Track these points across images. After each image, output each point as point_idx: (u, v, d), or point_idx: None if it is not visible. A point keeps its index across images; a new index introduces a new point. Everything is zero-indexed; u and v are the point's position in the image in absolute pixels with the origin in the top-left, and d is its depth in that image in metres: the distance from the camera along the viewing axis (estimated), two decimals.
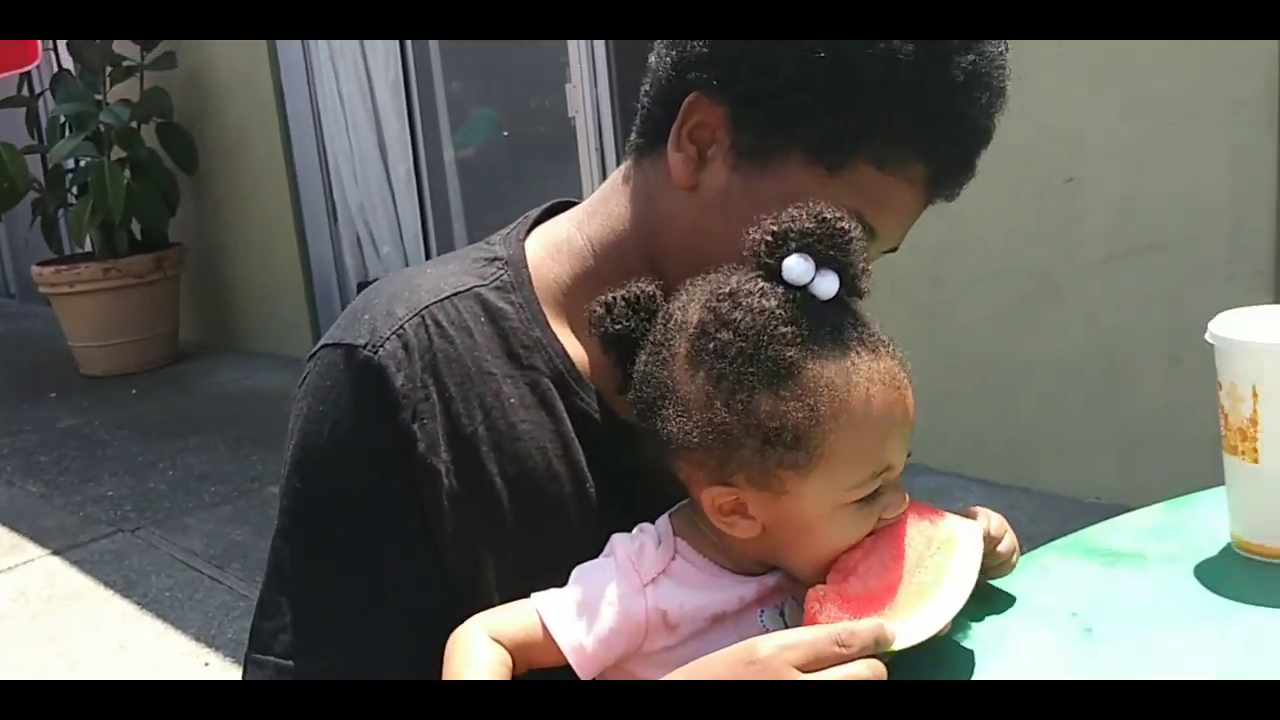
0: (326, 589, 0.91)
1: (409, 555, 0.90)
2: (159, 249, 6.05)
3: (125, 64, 5.90)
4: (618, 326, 0.87)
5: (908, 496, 0.86)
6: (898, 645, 0.78)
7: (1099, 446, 3.35)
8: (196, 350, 6.38)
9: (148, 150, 5.96)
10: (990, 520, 0.91)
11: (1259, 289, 2.91)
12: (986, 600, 0.95)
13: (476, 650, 0.82)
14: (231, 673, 2.88)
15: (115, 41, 5.82)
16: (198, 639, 3.11)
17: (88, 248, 6.23)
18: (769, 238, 0.81)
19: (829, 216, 0.81)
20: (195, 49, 5.93)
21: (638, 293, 0.88)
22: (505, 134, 5.32)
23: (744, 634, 0.82)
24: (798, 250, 0.80)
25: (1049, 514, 3.29)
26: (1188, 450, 3.12)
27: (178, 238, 6.21)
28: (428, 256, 5.47)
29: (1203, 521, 1.06)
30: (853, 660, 0.75)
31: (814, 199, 0.83)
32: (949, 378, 3.59)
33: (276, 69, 5.64)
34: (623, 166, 1.00)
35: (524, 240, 1.00)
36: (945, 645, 0.88)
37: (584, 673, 0.84)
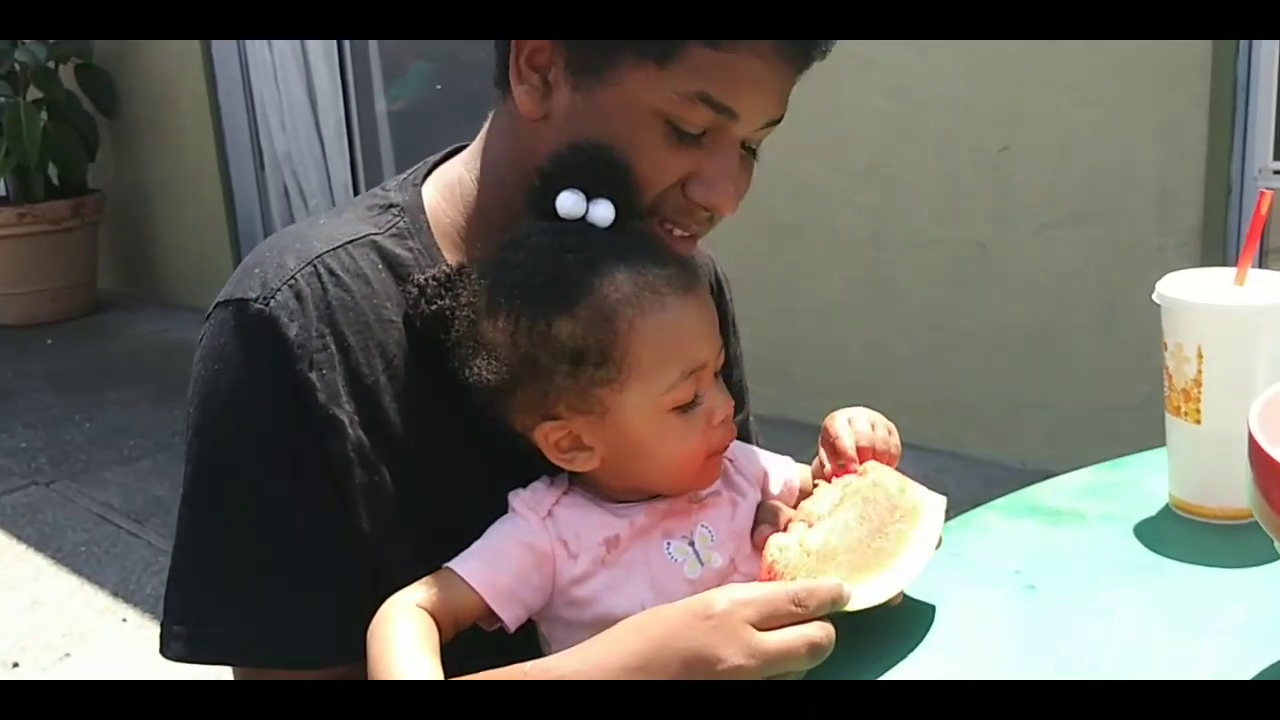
0: (233, 554, 0.89)
1: (315, 512, 0.88)
2: (77, 195, 5.86)
3: None
4: (433, 306, 0.88)
5: (731, 399, 0.89)
6: (852, 606, 0.77)
7: (1028, 412, 3.40)
8: (116, 300, 6.21)
9: (66, 92, 5.76)
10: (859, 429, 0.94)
11: (1186, 260, 2.97)
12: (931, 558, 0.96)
13: (400, 622, 0.81)
14: (150, 629, 2.82)
15: None
16: (115, 595, 3.04)
17: (1, 192, 6.02)
18: (538, 182, 0.86)
19: (593, 150, 0.85)
20: None
21: (446, 270, 0.90)
22: (439, 87, 5.23)
23: (653, 567, 0.85)
24: (567, 188, 0.85)
25: (974, 479, 3.34)
26: (1115, 417, 3.20)
27: (97, 184, 6.02)
28: None
29: (1141, 482, 1.07)
30: (808, 618, 0.75)
31: (648, 99, 0.85)
32: (886, 342, 3.62)
33: None
34: (494, 108, 0.98)
35: (420, 185, 0.98)
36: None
37: (508, 615, 0.84)
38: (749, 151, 0.93)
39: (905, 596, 0.86)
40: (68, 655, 2.76)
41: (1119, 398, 3.13)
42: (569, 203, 0.85)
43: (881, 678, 0.80)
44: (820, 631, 0.75)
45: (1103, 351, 3.18)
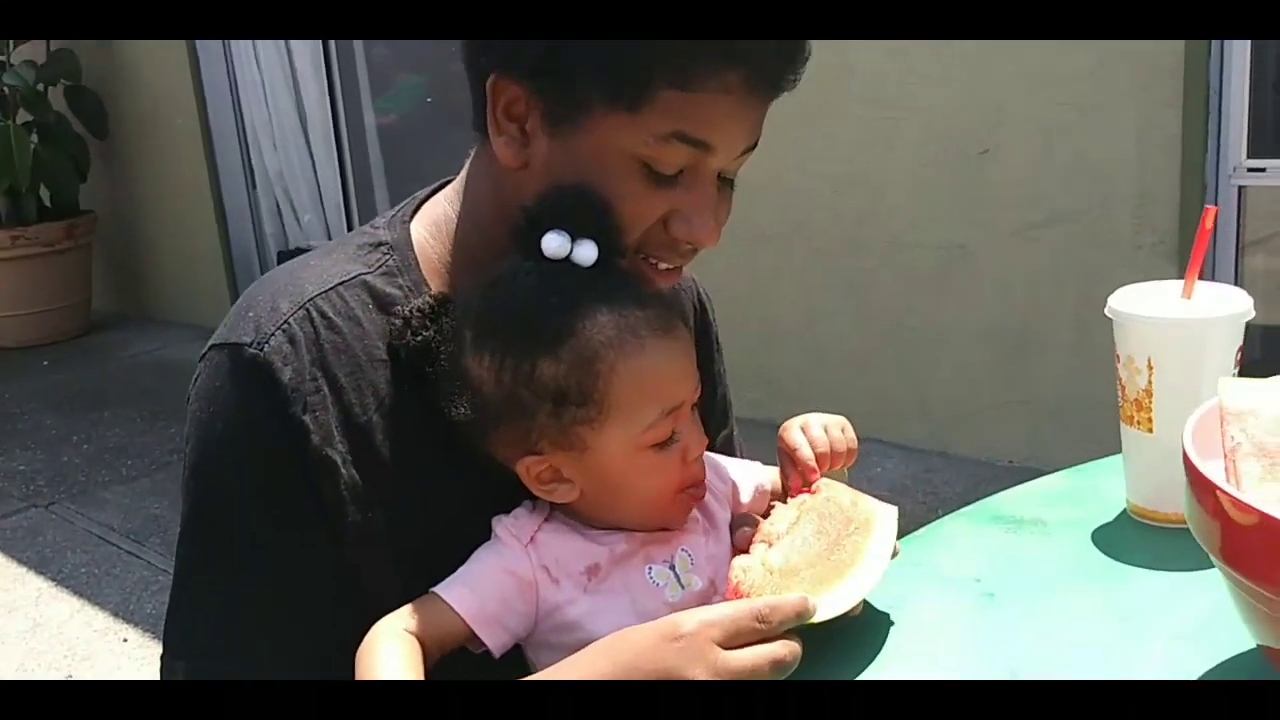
0: (227, 593, 0.92)
1: (308, 553, 0.91)
2: (69, 217, 5.87)
3: None
4: (418, 339, 0.90)
5: (704, 436, 0.93)
6: (818, 618, 0.81)
7: (1011, 412, 3.44)
8: (110, 320, 6.23)
9: (56, 114, 5.78)
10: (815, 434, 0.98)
11: (1162, 259, 3.01)
12: (893, 567, 0.99)
13: (386, 647, 0.84)
14: (151, 648, 2.85)
15: None
16: (116, 615, 3.07)
17: None
18: (523, 222, 0.88)
19: (577, 192, 0.87)
20: None
21: (430, 302, 0.92)
22: (429, 100, 5.26)
23: (634, 592, 0.88)
24: (552, 228, 0.87)
25: (963, 477, 3.38)
26: (1096, 415, 3.23)
27: (89, 205, 6.03)
28: (349, 225, 5.40)
29: (1101, 489, 1.11)
30: (772, 634, 0.78)
31: (623, 144, 0.87)
32: (867, 345, 3.66)
33: None
34: (476, 146, 1.00)
35: (409, 222, 1.00)
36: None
37: (492, 641, 0.87)
38: (726, 183, 0.94)
39: (866, 605, 0.90)
40: (69, 677, 2.79)
41: (1102, 394, 3.16)
42: (554, 244, 0.87)
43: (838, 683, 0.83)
44: (784, 649, 0.78)
45: (1084, 349, 3.22)
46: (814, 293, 3.75)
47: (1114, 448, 1.16)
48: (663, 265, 0.94)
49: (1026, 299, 3.33)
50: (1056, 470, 1.18)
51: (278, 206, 5.70)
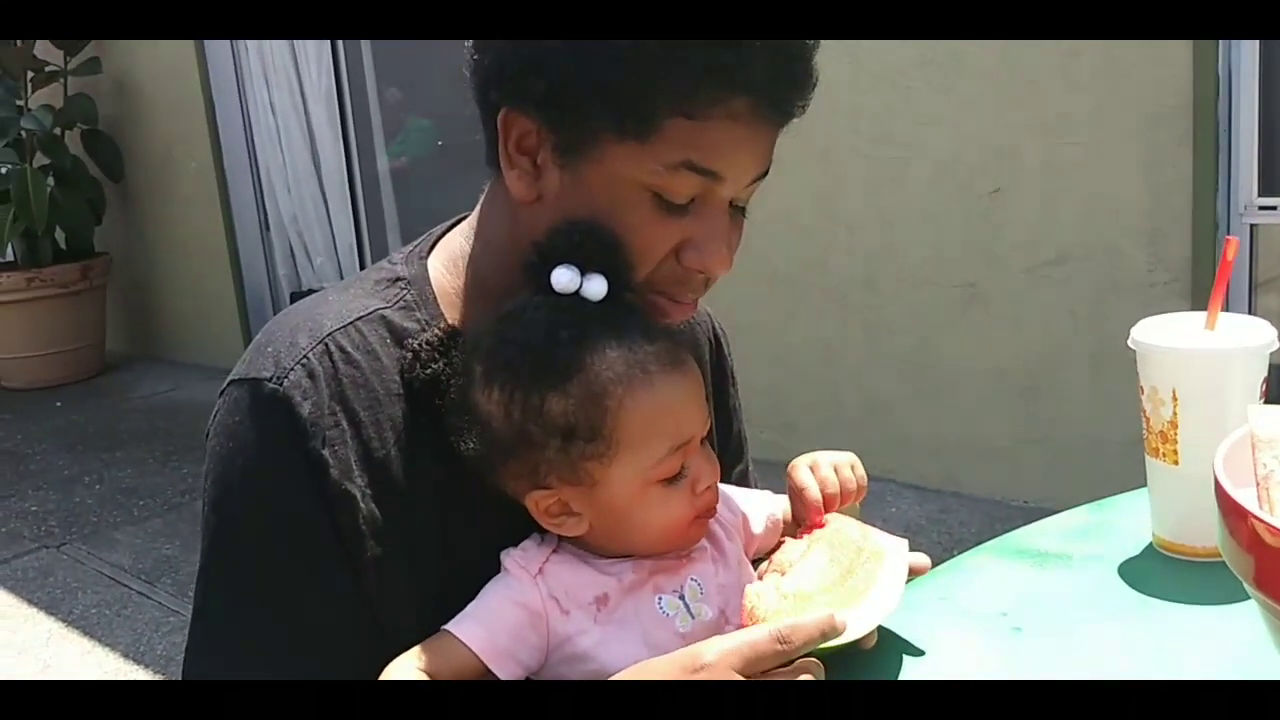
0: (247, 628, 0.91)
1: (328, 588, 0.91)
2: (85, 258, 5.92)
3: (48, 69, 5.77)
4: (427, 371, 0.91)
5: (716, 465, 0.93)
6: (841, 640, 0.80)
7: (1025, 451, 3.43)
8: (124, 362, 6.25)
9: (72, 158, 5.84)
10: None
11: (1176, 297, 3.00)
12: (919, 602, 0.98)
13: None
14: None
15: (37, 46, 5.70)
16: (127, 656, 3.05)
17: (9, 257, 6.09)
18: (534, 258, 0.89)
19: (586, 227, 0.87)
20: (120, 54, 5.82)
21: (440, 335, 0.92)
22: (440, 143, 5.30)
23: (645, 622, 0.88)
24: (562, 263, 0.87)
25: (978, 517, 3.36)
26: (1110, 453, 3.21)
27: (104, 247, 6.08)
28: (362, 267, 5.42)
29: (1125, 522, 1.10)
30: (793, 655, 0.78)
31: (633, 174, 0.87)
32: (882, 383, 3.65)
33: (205, 75, 5.57)
34: (490, 182, 1.00)
35: (427, 257, 1.00)
36: (879, 645, 0.91)
37: (505, 674, 0.87)
38: (738, 210, 0.95)
39: (893, 637, 0.89)
40: None
41: (1116, 432, 3.14)
42: (564, 278, 0.87)
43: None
44: (810, 669, 0.78)
45: (1098, 387, 3.21)
46: (828, 331, 3.75)
47: (1130, 486, 1.16)
48: (677, 299, 0.94)
49: (1040, 338, 3.33)
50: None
51: (291, 249, 5.74)
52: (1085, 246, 3.19)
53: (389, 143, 5.45)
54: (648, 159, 0.86)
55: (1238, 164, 2.92)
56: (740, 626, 0.82)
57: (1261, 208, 2.92)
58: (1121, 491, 1.16)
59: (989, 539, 1.10)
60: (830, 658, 0.81)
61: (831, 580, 0.86)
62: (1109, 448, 3.18)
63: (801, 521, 1.00)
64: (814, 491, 0.97)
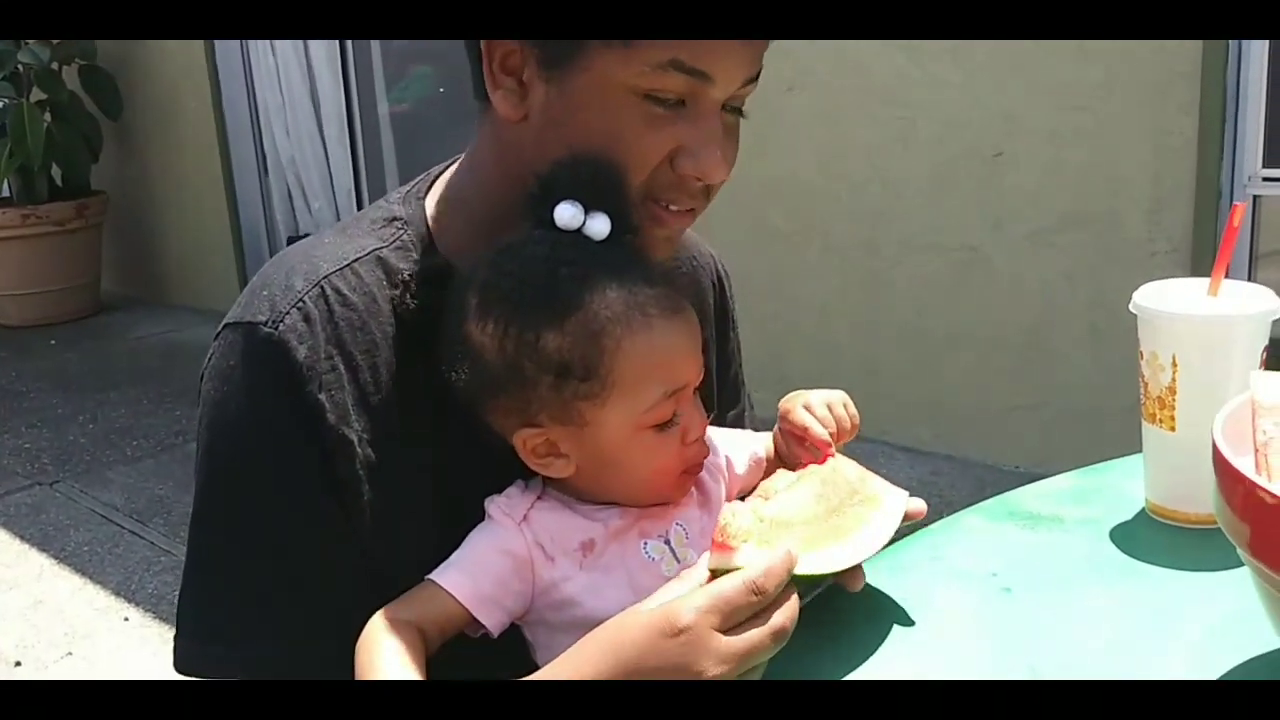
0: (241, 574, 0.91)
1: (324, 532, 0.90)
2: (81, 196, 5.88)
3: None
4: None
5: (705, 417, 0.91)
6: (801, 570, 0.78)
7: (1021, 415, 3.43)
8: (119, 302, 6.23)
9: (69, 93, 5.78)
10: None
11: (1175, 266, 3.00)
12: (911, 560, 0.99)
13: (385, 640, 0.83)
14: (151, 628, 2.85)
15: None
16: (117, 594, 3.06)
17: (5, 193, 6.05)
18: (537, 190, 0.87)
19: (593, 162, 0.86)
20: None
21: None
22: (441, 90, 5.26)
23: (631, 568, 0.87)
24: (565, 198, 0.85)
25: (969, 480, 3.37)
26: (1105, 421, 3.22)
27: (100, 185, 6.04)
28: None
29: (1118, 487, 1.10)
30: (770, 603, 0.76)
31: (620, 78, 0.85)
32: (879, 344, 3.65)
33: None
34: (480, 118, 0.99)
35: (424, 197, 0.99)
36: (871, 603, 0.91)
37: (491, 622, 0.87)
38: (734, 113, 0.92)
39: (880, 595, 0.88)
40: (69, 654, 2.79)
41: (1111, 400, 3.15)
42: (567, 214, 0.86)
43: (856, 676, 0.83)
44: (783, 616, 0.76)
45: (1095, 355, 3.21)
46: (827, 291, 3.74)
47: (1123, 453, 1.16)
48: (674, 207, 0.92)
49: (1039, 303, 3.32)
50: None
51: (289, 192, 5.71)
52: (1087, 213, 3.18)
53: (390, 88, 5.40)
54: (635, 61, 0.85)
55: (1244, 134, 2.90)
56: (712, 545, 0.79)
57: (1266, 179, 2.91)
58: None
59: (978, 503, 1.10)
60: (817, 613, 0.80)
61: (814, 515, 0.84)
62: (1103, 415, 3.19)
63: (795, 463, 0.98)
64: (819, 430, 0.95)
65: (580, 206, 0.86)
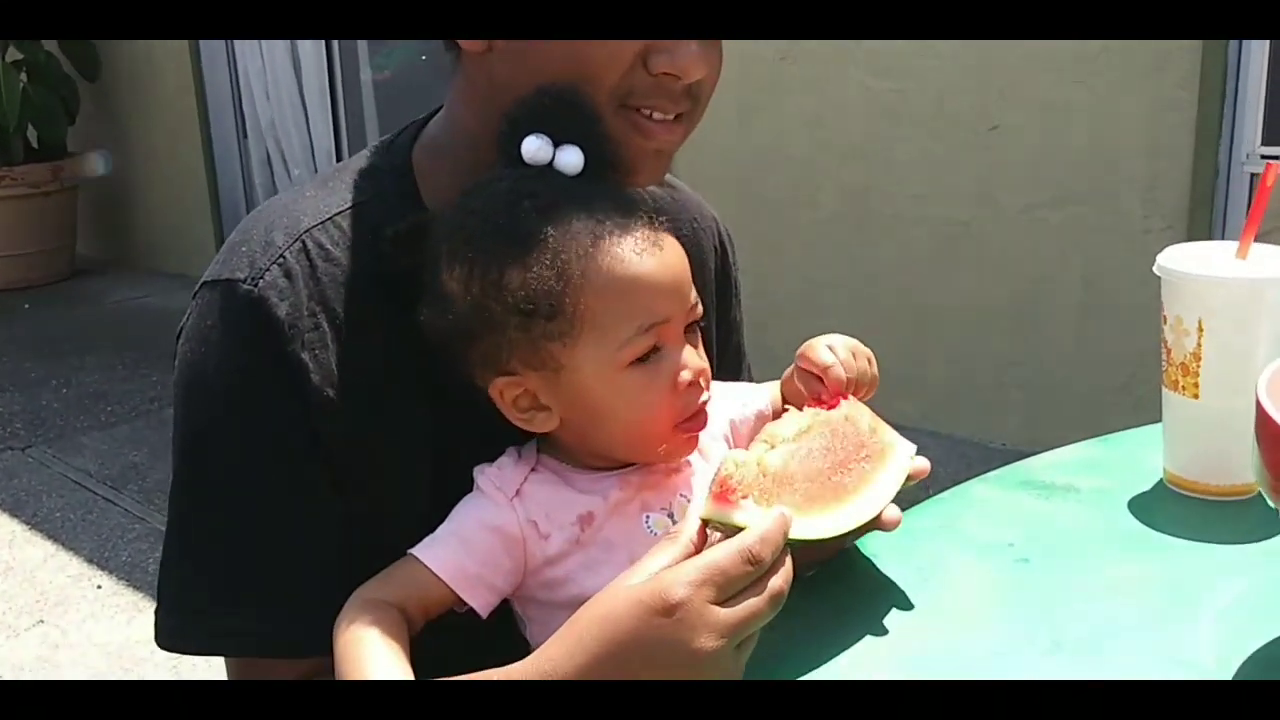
0: (223, 542, 0.86)
1: (306, 496, 0.86)
2: (56, 158, 5.78)
3: None
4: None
5: (706, 363, 0.85)
6: (796, 534, 0.74)
7: (1009, 393, 3.41)
8: (94, 266, 6.14)
9: (46, 54, 5.67)
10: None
11: (1170, 244, 2.96)
12: (923, 528, 0.95)
13: (365, 621, 0.78)
14: (124, 595, 2.80)
15: None
16: (90, 561, 3.01)
17: None
18: (506, 126, 0.83)
19: (557, 92, 0.82)
20: None
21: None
22: (424, 58, 5.18)
23: (633, 544, 0.81)
24: (533, 132, 0.81)
25: (954, 457, 3.35)
26: (1094, 400, 3.20)
27: (77, 148, 5.94)
28: None
29: (1132, 457, 1.07)
30: (766, 570, 0.71)
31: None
32: (866, 318, 3.62)
33: None
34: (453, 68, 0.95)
35: (409, 148, 0.95)
36: (888, 572, 0.87)
37: (478, 603, 0.82)
38: None
39: (897, 566, 0.84)
40: (41, 622, 2.73)
41: (1100, 380, 3.13)
42: (533, 147, 0.81)
43: (873, 647, 0.79)
44: (779, 580, 0.72)
45: (1085, 334, 3.18)
46: (815, 264, 3.70)
47: (1113, 432, 1.13)
48: (658, 115, 0.86)
49: (1030, 280, 3.29)
50: None
51: (268, 157, 5.62)
52: (1081, 189, 3.14)
53: (373, 55, 5.32)
54: None
55: (1243, 111, 2.87)
56: (712, 494, 0.74)
57: (1264, 157, 2.88)
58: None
59: (965, 480, 1.05)
60: (830, 584, 0.76)
61: (818, 470, 0.79)
62: (1091, 394, 3.17)
63: (806, 403, 0.90)
64: (839, 370, 0.88)
65: (548, 140, 0.82)
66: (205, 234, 5.66)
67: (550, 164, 0.82)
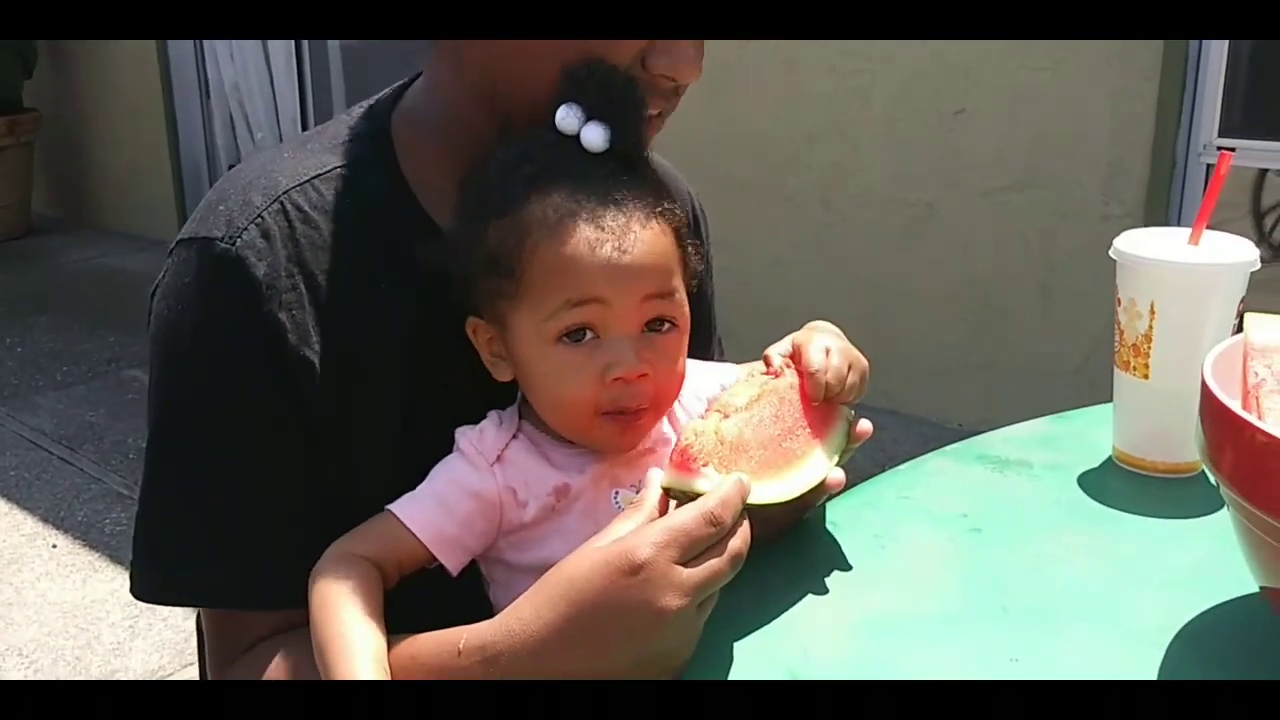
0: (198, 497, 0.87)
1: (282, 453, 0.87)
2: (12, 113, 5.68)
3: None
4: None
5: (642, 366, 0.83)
6: (753, 499, 0.77)
7: (967, 374, 3.46)
8: (50, 225, 6.05)
9: None
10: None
11: (1128, 230, 3.02)
12: (879, 498, 0.97)
13: (339, 572, 0.80)
14: (80, 555, 2.78)
15: None
16: (45, 520, 2.99)
17: None
18: (563, 83, 0.83)
19: (608, 72, 0.83)
20: None
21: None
22: None
23: (600, 518, 0.82)
24: (571, 101, 0.83)
25: (912, 436, 3.39)
26: (1052, 381, 3.26)
27: (33, 103, 5.84)
28: None
29: (1085, 434, 1.10)
30: (726, 532, 0.74)
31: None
32: (829, 297, 3.65)
33: None
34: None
35: (385, 113, 0.95)
36: (843, 541, 0.90)
37: (451, 562, 0.84)
38: None
39: (847, 532, 0.87)
40: None
41: (1057, 363, 3.19)
42: (565, 117, 0.83)
43: (829, 609, 0.81)
44: (739, 541, 0.74)
45: (1043, 316, 3.23)
46: (780, 244, 3.72)
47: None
48: (646, 111, 0.87)
49: (991, 263, 3.34)
50: None
51: (231, 120, 5.56)
52: (1043, 174, 3.19)
53: None
54: None
55: (1201, 103, 2.92)
56: (673, 463, 0.77)
57: (1220, 148, 2.93)
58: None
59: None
60: (785, 554, 0.78)
61: (771, 437, 0.82)
62: (1050, 376, 3.22)
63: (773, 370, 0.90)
64: (821, 380, 0.85)
65: (579, 111, 0.83)
66: (165, 194, 5.59)
67: (576, 135, 0.83)
